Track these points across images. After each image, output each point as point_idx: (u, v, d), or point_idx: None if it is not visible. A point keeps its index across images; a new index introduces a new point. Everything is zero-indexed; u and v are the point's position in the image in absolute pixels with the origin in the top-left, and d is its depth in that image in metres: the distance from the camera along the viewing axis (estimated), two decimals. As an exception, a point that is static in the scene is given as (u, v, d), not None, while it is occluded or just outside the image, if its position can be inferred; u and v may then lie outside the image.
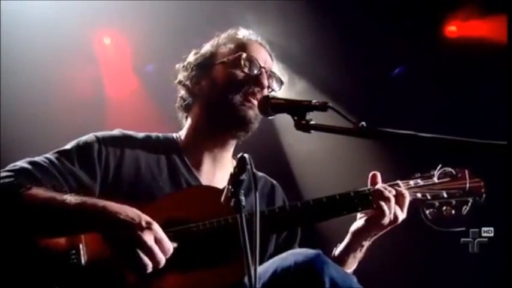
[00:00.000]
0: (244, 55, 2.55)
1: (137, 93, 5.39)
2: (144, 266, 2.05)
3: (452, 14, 5.04)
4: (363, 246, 2.47)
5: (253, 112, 2.50)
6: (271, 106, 2.27)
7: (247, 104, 2.50)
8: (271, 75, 2.60)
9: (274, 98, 2.31)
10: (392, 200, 2.35)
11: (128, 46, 5.27)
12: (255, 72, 2.54)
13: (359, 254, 2.49)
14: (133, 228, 2.04)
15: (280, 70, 2.73)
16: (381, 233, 2.44)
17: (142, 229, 2.04)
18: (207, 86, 2.58)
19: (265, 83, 2.53)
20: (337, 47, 4.92)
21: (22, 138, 4.47)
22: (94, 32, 5.18)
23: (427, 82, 4.99)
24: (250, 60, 2.55)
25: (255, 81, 2.52)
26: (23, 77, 4.73)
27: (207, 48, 2.66)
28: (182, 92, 2.66)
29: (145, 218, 2.08)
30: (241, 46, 2.60)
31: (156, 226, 2.08)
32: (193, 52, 2.68)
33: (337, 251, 2.50)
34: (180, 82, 2.66)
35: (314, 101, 2.04)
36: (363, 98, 4.93)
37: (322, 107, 2.01)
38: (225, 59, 2.57)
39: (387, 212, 2.33)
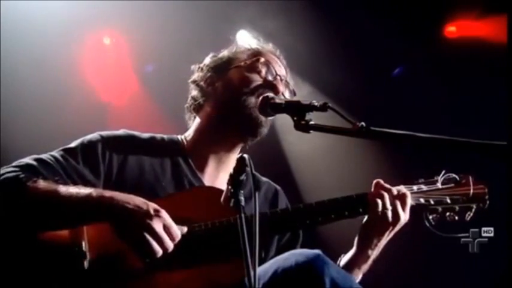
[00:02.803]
0: (262, 59, 2.55)
1: (137, 93, 5.38)
2: (155, 253, 2.08)
3: (452, 14, 5.03)
4: (369, 256, 2.44)
5: (264, 116, 2.50)
6: (270, 106, 2.31)
7: None
8: (286, 84, 2.59)
9: (273, 98, 2.33)
10: (386, 196, 2.34)
11: (127, 46, 5.27)
12: (271, 77, 2.53)
13: (365, 266, 2.46)
14: (143, 217, 2.08)
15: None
16: (384, 238, 2.41)
17: (151, 217, 2.08)
18: (221, 87, 2.58)
19: (281, 88, 2.51)
20: (337, 48, 4.92)
21: (22, 141, 4.46)
22: (94, 32, 5.17)
23: (427, 82, 4.99)
24: (267, 65, 2.56)
25: (271, 85, 2.50)
26: (22, 78, 4.73)
27: (224, 53, 2.67)
28: (194, 93, 2.65)
29: (153, 205, 2.11)
30: (259, 53, 2.60)
31: (164, 213, 2.11)
32: (210, 55, 2.68)
33: (341, 262, 2.47)
34: (194, 82, 2.66)
35: (313, 101, 2.05)
36: (363, 98, 4.93)
37: (321, 108, 2.02)
38: (242, 63, 2.57)
39: (380, 207, 2.31)
